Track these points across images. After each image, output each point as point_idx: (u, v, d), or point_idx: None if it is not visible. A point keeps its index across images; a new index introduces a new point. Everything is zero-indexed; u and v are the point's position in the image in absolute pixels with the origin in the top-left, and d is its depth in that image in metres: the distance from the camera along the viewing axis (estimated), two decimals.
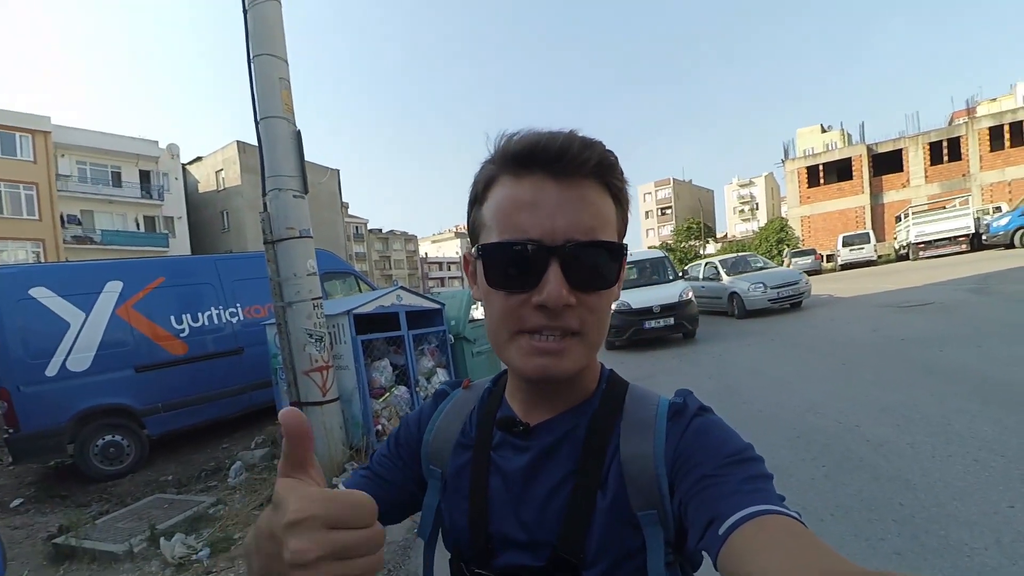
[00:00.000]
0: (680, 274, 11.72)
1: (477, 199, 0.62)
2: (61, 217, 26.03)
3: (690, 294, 9.59)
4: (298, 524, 0.35)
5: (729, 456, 0.55)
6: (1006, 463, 3.16)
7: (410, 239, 75.02)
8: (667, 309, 9.20)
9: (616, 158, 0.59)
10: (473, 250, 0.61)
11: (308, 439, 0.41)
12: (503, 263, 0.57)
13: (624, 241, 0.63)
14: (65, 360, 5.69)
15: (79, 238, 26.54)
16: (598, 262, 0.57)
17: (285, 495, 0.37)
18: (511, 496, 0.64)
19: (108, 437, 5.90)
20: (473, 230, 0.63)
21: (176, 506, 4.34)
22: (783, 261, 23.41)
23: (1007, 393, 4.33)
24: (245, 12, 4.56)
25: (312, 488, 0.38)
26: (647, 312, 9.19)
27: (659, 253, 12.17)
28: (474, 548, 0.65)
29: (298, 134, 4.69)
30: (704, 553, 0.51)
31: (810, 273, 17.93)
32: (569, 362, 0.57)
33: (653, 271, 11.10)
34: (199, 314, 6.79)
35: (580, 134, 0.57)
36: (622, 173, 0.60)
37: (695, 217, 47.77)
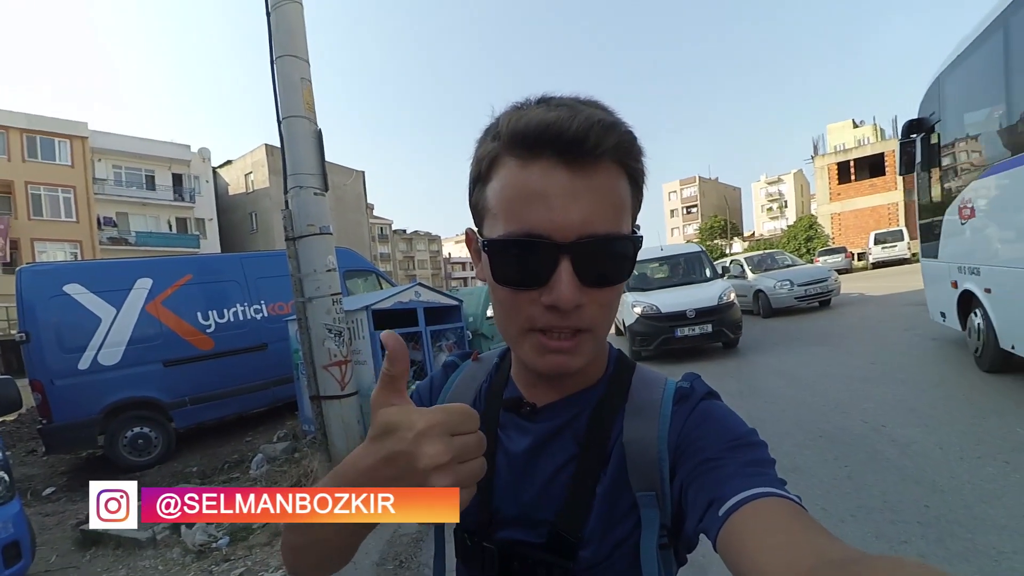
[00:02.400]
0: (721, 271, 9.77)
1: (480, 177, 0.58)
2: (98, 219, 26.95)
3: (732, 295, 8.10)
4: (428, 432, 0.40)
5: (732, 440, 0.55)
6: None
7: (434, 239, 75.46)
8: (704, 314, 7.69)
9: (635, 136, 0.55)
10: (478, 239, 0.59)
11: (407, 358, 0.46)
12: (510, 260, 0.54)
13: (638, 223, 0.60)
14: (97, 354, 5.90)
15: (115, 239, 27.44)
16: (611, 257, 0.54)
17: (399, 419, 0.41)
18: (515, 475, 0.65)
19: (137, 429, 6.11)
20: (477, 211, 0.60)
21: None
22: (812, 260, 22.87)
23: None
24: (268, 14, 4.65)
25: (420, 408, 0.42)
26: (679, 318, 7.70)
27: (695, 247, 10.26)
28: (478, 522, 0.66)
29: (319, 133, 4.76)
30: (703, 535, 0.51)
31: (840, 272, 17.47)
32: (580, 358, 0.57)
33: (687, 268, 9.45)
34: (225, 310, 6.97)
35: (598, 113, 0.52)
36: (640, 151, 0.56)
37: (721, 215, 46.99)
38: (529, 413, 0.65)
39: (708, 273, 9.18)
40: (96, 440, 5.85)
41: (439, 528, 0.73)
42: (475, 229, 0.61)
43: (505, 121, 0.54)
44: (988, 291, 4.62)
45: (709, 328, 7.69)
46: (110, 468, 5.97)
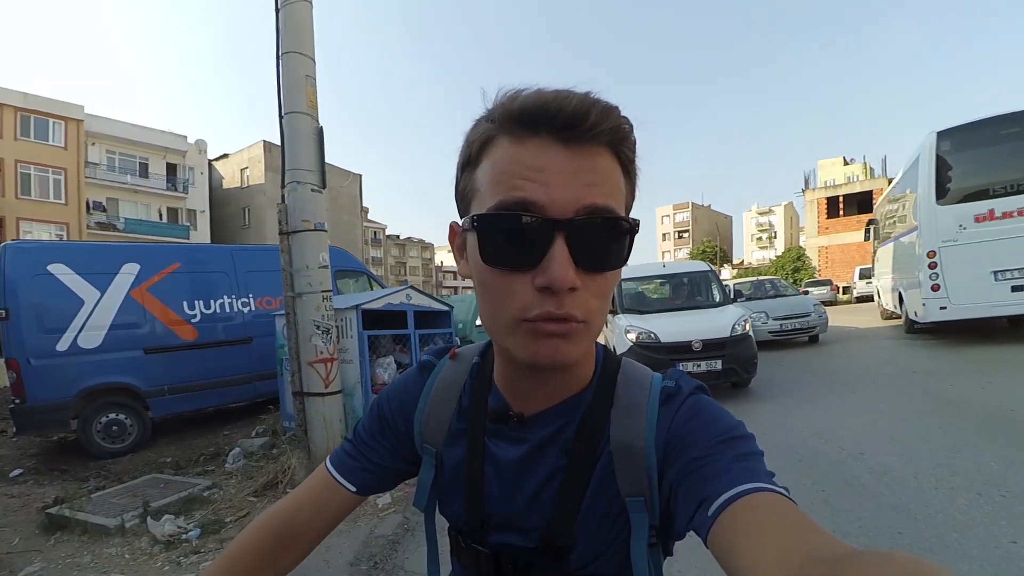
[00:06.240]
0: (732, 295, 8.10)
1: (470, 161, 0.54)
2: (87, 203, 26.61)
3: (748, 326, 6.63)
4: None
5: (719, 435, 0.54)
6: (1010, 499, 3.07)
7: (426, 247, 75.35)
8: (713, 347, 6.31)
9: (631, 126, 0.53)
10: (464, 221, 0.55)
11: None
12: (501, 237, 0.50)
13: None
14: (77, 336, 5.78)
15: (103, 224, 27.06)
16: (608, 239, 0.51)
17: None
18: (505, 485, 0.65)
19: (112, 415, 5.97)
20: (463, 197, 0.56)
21: (171, 487, 4.36)
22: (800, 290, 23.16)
23: (1016, 429, 4.22)
24: (277, 11, 4.68)
25: None
26: (683, 350, 6.32)
27: (702, 265, 8.51)
28: (471, 527, 0.67)
29: (320, 130, 4.77)
30: (694, 533, 0.51)
31: (825, 304, 17.61)
32: (574, 348, 0.52)
33: (693, 290, 8.03)
34: (211, 301, 6.87)
35: (595, 96, 0.50)
36: (635, 144, 0.54)
37: (712, 241, 47.44)
38: (516, 424, 0.63)
39: (718, 297, 7.68)
40: (69, 424, 5.71)
41: (431, 529, 0.76)
42: (459, 223, 0.57)
43: (500, 103, 0.52)
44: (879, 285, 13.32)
45: (718, 365, 6.29)
46: (81, 453, 5.85)
